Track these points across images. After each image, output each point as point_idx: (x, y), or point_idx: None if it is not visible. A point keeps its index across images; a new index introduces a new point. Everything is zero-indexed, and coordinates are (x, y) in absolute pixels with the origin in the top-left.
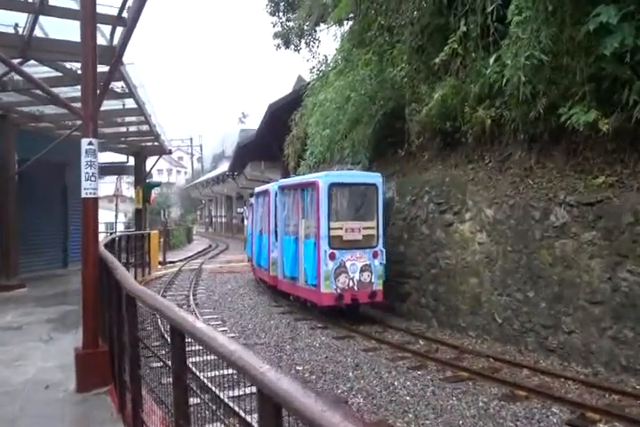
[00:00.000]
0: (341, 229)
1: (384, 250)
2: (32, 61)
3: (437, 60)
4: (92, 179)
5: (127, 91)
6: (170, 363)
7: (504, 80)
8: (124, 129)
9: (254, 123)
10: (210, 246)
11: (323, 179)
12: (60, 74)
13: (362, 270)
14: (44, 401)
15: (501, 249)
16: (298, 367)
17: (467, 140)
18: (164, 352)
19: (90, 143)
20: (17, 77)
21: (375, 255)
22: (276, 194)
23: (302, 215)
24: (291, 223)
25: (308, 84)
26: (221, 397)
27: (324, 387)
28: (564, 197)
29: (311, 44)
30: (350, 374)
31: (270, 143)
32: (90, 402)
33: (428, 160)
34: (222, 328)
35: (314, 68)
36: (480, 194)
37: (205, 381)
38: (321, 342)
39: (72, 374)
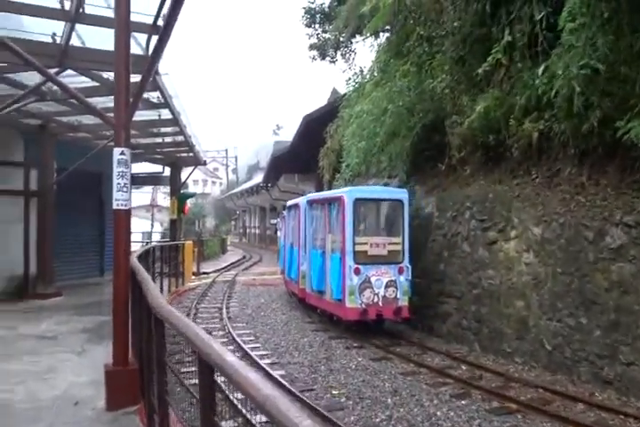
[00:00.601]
0: (367, 244)
1: (410, 266)
2: (70, 71)
3: (480, 71)
4: (124, 190)
5: (162, 101)
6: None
7: (553, 91)
8: (159, 140)
9: (289, 135)
10: (244, 257)
11: (348, 194)
12: (96, 84)
13: (387, 286)
14: (73, 419)
15: (550, 271)
16: (333, 391)
17: (511, 155)
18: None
19: (122, 153)
20: (55, 87)
21: (401, 271)
22: (305, 208)
23: (329, 230)
24: (318, 237)
25: (344, 95)
26: (253, 422)
27: (361, 414)
28: (620, 217)
29: (347, 55)
30: (389, 400)
31: (304, 155)
32: (119, 422)
33: (470, 175)
34: (255, 344)
35: (350, 79)
36: (527, 211)
37: (237, 404)
38: (357, 363)
39: (102, 390)
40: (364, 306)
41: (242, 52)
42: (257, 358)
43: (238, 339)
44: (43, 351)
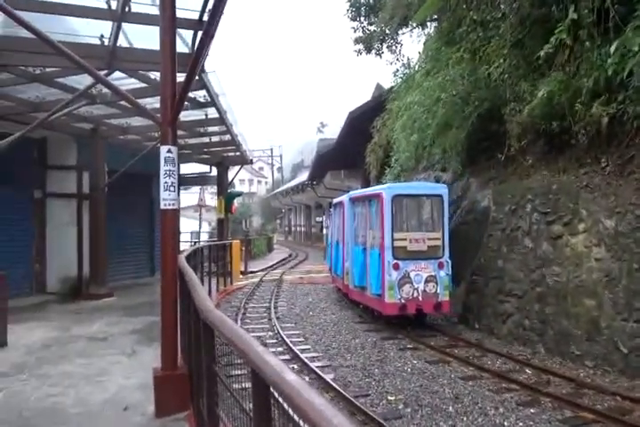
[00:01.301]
0: (405, 239)
1: (449, 261)
2: (118, 74)
3: (542, 54)
4: (172, 189)
5: (209, 100)
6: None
7: (626, 71)
8: (206, 139)
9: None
10: (290, 256)
11: (387, 191)
12: (144, 85)
13: (427, 281)
14: (123, 425)
15: (625, 267)
16: (390, 397)
17: (577, 142)
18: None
19: (169, 151)
20: (105, 90)
21: (441, 266)
22: (348, 205)
23: (369, 226)
24: (360, 234)
25: (392, 88)
26: None
27: (421, 424)
28: None
29: (393, 47)
30: (450, 408)
31: (350, 151)
32: None
33: (530, 165)
34: (305, 346)
35: (397, 71)
36: (597, 202)
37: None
38: (412, 366)
39: (151, 394)
40: (403, 301)
41: (285, 49)
42: (307, 361)
43: (287, 340)
44: (94, 354)
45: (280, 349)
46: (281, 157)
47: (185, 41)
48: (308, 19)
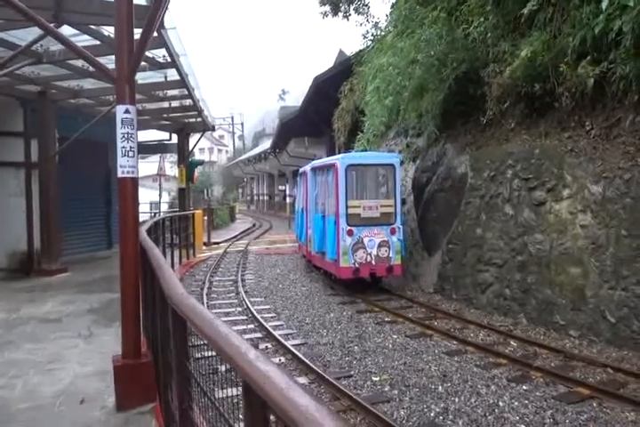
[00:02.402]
0: (359, 207)
1: (401, 227)
2: (66, 30)
3: (525, 12)
4: (130, 154)
5: (169, 60)
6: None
7: (616, 28)
8: (166, 104)
9: (295, 100)
10: (253, 226)
11: (341, 160)
12: (97, 42)
13: (379, 246)
14: (79, 422)
15: (613, 233)
16: (374, 378)
17: (560, 105)
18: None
19: (126, 111)
20: (52, 48)
21: (393, 232)
22: (310, 174)
23: (327, 194)
24: (319, 202)
25: (360, 51)
26: None
27: (411, 407)
28: None
29: (361, 9)
30: (439, 387)
31: (315, 118)
32: (131, 425)
33: (510, 129)
34: (277, 322)
35: (367, 32)
36: (582, 167)
37: None
38: (393, 342)
39: (111, 383)
40: (356, 265)
41: (245, 14)
42: (282, 339)
43: (258, 316)
44: (46, 338)
45: (251, 326)
46: (242, 124)
47: None
48: None
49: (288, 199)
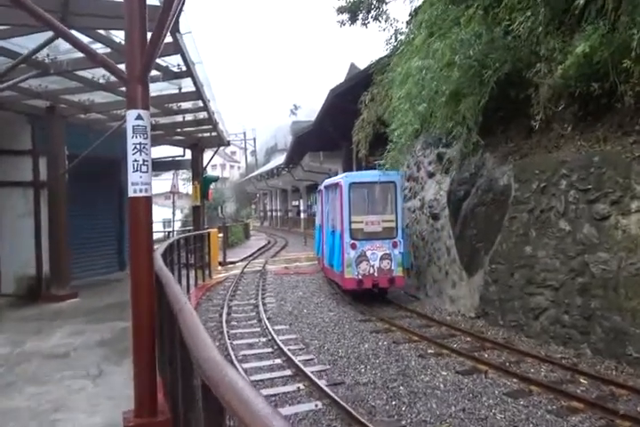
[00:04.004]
0: (362, 222)
1: (402, 240)
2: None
3: (580, 2)
4: (144, 169)
5: (184, 69)
6: None
7: None
8: (179, 118)
9: (306, 115)
10: (269, 243)
11: (344, 179)
12: (107, 50)
13: (382, 259)
14: None
15: None
16: None
17: (623, 106)
18: None
19: (138, 117)
20: (59, 57)
21: (395, 245)
22: (324, 192)
23: (335, 211)
24: (330, 217)
25: (381, 59)
26: None
27: None
28: None
29: (381, 16)
30: None
31: (330, 131)
32: None
33: (560, 135)
34: (307, 356)
35: (390, 38)
36: None
37: None
38: (443, 379)
39: None
40: (360, 277)
41: (257, 31)
42: (315, 378)
43: (285, 348)
44: (51, 378)
45: (278, 361)
46: (254, 140)
47: None
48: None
49: (302, 215)
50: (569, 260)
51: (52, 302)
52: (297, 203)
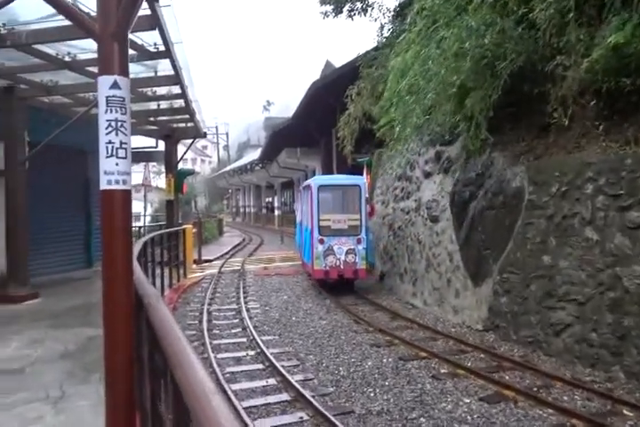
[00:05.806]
0: (330, 220)
1: (366, 237)
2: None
3: None
4: (121, 154)
5: (163, 48)
6: None
7: None
8: (154, 106)
9: (279, 111)
10: (243, 240)
11: (314, 182)
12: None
13: (347, 253)
14: None
15: None
16: None
17: None
18: None
19: (114, 85)
20: (17, 28)
21: (359, 241)
22: (302, 192)
23: (307, 210)
24: (304, 216)
25: (371, 51)
26: None
27: None
28: None
29: (369, 8)
30: None
31: (309, 127)
32: None
33: (581, 134)
34: (305, 374)
35: (382, 27)
36: None
37: None
38: (469, 409)
39: None
40: (327, 268)
41: (230, 25)
42: (320, 407)
43: (278, 364)
44: (1, 402)
45: (272, 381)
46: (227, 134)
47: None
48: None
49: (277, 211)
50: (597, 272)
51: (9, 303)
52: (270, 199)
